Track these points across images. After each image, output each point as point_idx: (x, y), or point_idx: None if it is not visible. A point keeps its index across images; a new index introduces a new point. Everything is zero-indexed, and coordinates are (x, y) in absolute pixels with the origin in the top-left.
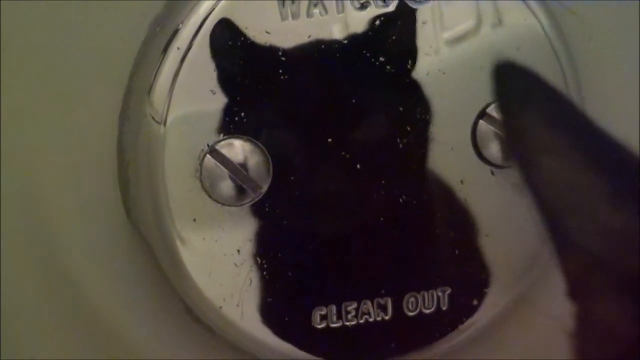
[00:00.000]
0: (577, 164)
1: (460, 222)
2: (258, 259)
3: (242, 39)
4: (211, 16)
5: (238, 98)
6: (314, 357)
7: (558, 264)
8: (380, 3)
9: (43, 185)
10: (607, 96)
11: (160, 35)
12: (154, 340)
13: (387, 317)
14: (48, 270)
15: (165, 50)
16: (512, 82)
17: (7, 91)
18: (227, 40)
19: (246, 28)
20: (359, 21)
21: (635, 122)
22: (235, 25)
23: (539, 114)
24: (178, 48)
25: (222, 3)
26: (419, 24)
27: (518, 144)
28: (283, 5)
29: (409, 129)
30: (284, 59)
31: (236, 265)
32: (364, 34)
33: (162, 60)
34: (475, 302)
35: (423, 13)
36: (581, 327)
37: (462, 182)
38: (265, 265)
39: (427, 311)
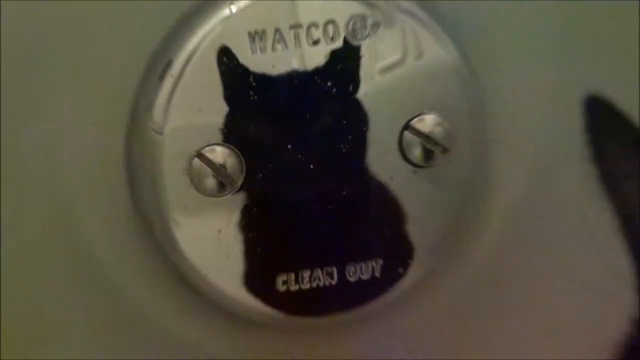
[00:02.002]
0: None
1: (390, 209)
2: (234, 237)
3: (230, 65)
4: (198, 50)
5: (222, 113)
6: (277, 312)
7: None
8: (329, 41)
9: (66, 180)
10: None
11: (157, 65)
12: (151, 300)
13: (333, 282)
14: (68, 244)
15: (161, 77)
16: (600, 115)
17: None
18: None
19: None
20: (312, 54)
21: None
22: (232, 52)
23: (620, 144)
24: (172, 75)
25: (207, 41)
26: (359, 58)
27: (603, 171)
28: (253, 41)
29: (350, 137)
30: (254, 84)
31: (218, 243)
32: (316, 65)
33: (160, 85)
34: (400, 271)
35: (362, 49)
36: None
37: (391, 178)
38: (240, 242)
39: (364, 277)
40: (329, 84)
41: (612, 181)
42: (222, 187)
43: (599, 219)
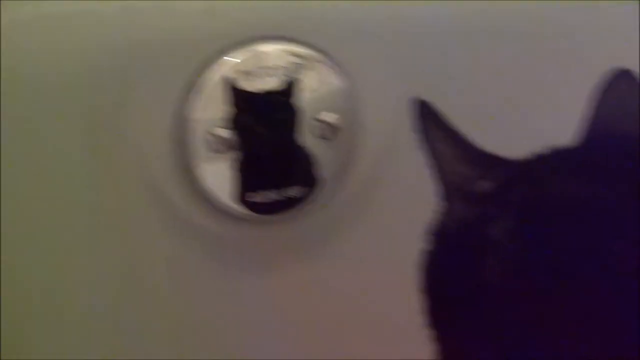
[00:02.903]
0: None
1: (308, 160)
2: (229, 173)
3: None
4: (215, 79)
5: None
6: (250, 212)
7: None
8: (282, 76)
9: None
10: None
11: (195, 83)
12: (184, 204)
13: (279, 198)
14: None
15: (197, 92)
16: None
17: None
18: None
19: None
20: (271, 83)
21: None
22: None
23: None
24: (202, 92)
25: (220, 74)
26: (295, 85)
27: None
28: (245, 76)
29: (289, 123)
30: (241, 97)
31: (221, 177)
32: (274, 88)
33: (196, 95)
34: (313, 193)
35: (298, 80)
36: None
37: (310, 145)
38: (232, 177)
39: (297, 195)
40: (280, 97)
41: (435, 158)
42: (222, 149)
43: (420, 174)
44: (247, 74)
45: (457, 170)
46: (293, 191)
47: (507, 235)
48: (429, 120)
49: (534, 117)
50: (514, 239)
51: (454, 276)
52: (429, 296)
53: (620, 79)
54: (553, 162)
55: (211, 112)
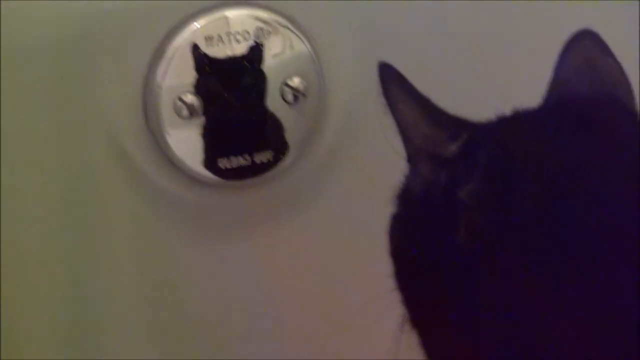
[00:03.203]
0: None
1: (275, 124)
2: (197, 140)
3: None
4: (181, 45)
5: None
6: (219, 178)
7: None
8: (246, 41)
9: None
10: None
11: (160, 52)
12: (156, 169)
13: (247, 163)
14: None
15: (161, 58)
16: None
17: None
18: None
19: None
20: (238, 48)
21: None
22: (198, 46)
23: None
24: (167, 58)
25: (186, 40)
26: (262, 50)
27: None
28: (208, 41)
29: (257, 88)
30: (209, 62)
31: (189, 142)
32: (241, 53)
33: (160, 62)
34: (281, 157)
35: (264, 45)
36: None
37: (277, 110)
38: (200, 143)
39: (264, 160)
40: (247, 62)
41: (400, 121)
42: (190, 115)
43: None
44: (214, 39)
45: (422, 133)
46: (261, 156)
47: (474, 197)
48: (394, 84)
49: (500, 80)
50: (480, 201)
51: (421, 239)
52: (397, 260)
53: (584, 38)
54: (517, 123)
55: (179, 78)
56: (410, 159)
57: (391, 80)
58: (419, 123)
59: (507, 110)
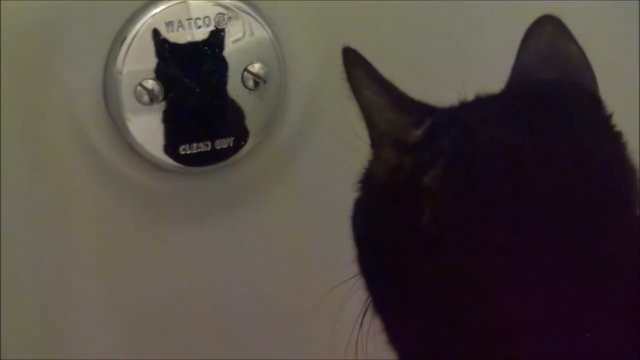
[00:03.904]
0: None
1: (236, 111)
2: (158, 126)
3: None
4: (141, 30)
5: (154, 63)
6: (180, 165)
7: None
8: (206, 27)
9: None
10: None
11: (119, 38)
12: (117, 158)
13: (208, 149)
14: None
15: (121, 44)
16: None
17: None
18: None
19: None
20: (199, 34)
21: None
22: (158, 31)
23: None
24: (127, 44)
25: (145, 25)
26: (223, 35)
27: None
28: (169, 26)
29: (217, 75)
30: (169, 48)
31: (150, 128)
32: (202, 39)
33: (120, 49)
34: (242, 144)
35: (225, 31)
36: None
37: (237, 96)
38: (161, 130)
39: (224, 146)
40: (207, 48)
41: (365, 106)
42: (151, 101)
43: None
44: (174, 25)
45: (387, 119)
46: (222, 143)
47: (438, 182)
48: (358, 68)
49: (463, 65)
50: (445, 185)
51: (385, 224)
52: (360, 244)
53: (546, 24)
54: (480, 108)
55: (139, 64)
56: (375, 145)
57: (355, 64)
58: (383, 108)
59: (469, 95)
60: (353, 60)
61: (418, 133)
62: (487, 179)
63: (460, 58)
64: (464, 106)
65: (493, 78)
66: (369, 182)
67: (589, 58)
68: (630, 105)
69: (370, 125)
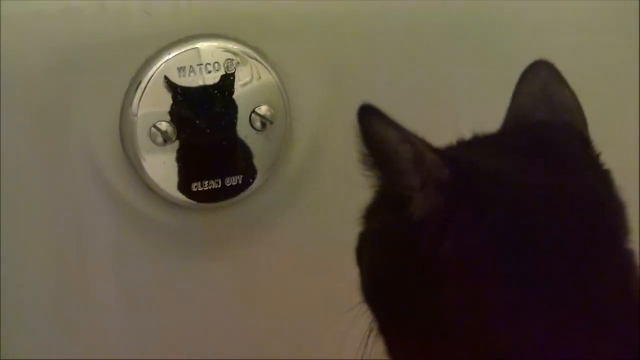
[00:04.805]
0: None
1: (245, 150)
2: (172, 166)
3: (170, 83)
4: (154, 76)
5: (168, 105)
6: (192, 201)
7: None
8: (217, 72)
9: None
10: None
11: (135, 83)
12: (133, 194)
13: (219, 187)
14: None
15: (137, 89)
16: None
17: None
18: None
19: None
20: (209, 78)
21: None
22: (169, 78)
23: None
24: (141, 89)
25: (158, 72)
26: (233, 80)
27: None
28: (181, 72)
29: (228, 117)
30: (181, 92)
31: (164, 168)
32: (212, 83)
33: (136, 93)
34: (250, 181)
35: (235, 75)
36: None
37: (246, 137)
38: (175, 169)
39: (234, 184)
40: (217, 92)
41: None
42: (165, 142)
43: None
44: (186, 70)
45: (430, 160)
46: (232, 180)
47: (465, 219)
48: (377, 118)
49: (460, 112)
50: (464, 220)
51: (394, 257)
52: (365, 275)
53: (540, 69)
54: (479, 147)
55: (154, 107)
56: (417, 187)
57: (373, 115)
58: (422, 154)
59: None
60: (370, 116)
61: (448, 172)
62: (493, 212)
63: (457, 100)
64: (465, 144)
65: (489, 120)
66: (381, 216)
67: (589, 58)
68: (631, 105)
69: (410, 171)
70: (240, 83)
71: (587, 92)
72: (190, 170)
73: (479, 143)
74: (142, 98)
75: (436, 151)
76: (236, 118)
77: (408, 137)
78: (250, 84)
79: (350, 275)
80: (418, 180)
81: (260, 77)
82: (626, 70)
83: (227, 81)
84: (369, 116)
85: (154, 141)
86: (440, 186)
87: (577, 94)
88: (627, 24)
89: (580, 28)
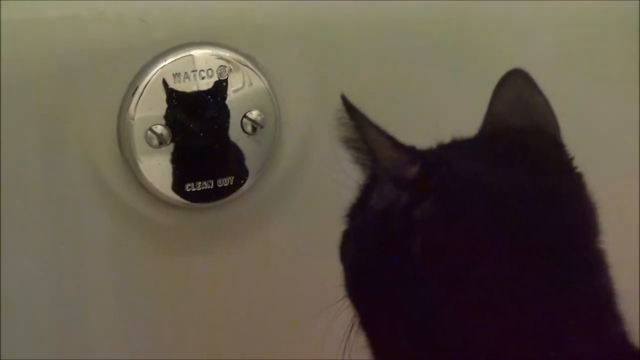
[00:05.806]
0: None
1: (237, 152)
2: (167, 166)
3: (166, 88)
4: (151, 81)
5: (163, 109)
6: (186, 201)
7: None
8: (209, 77)
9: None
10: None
11: (132, 87)
12: (129, 194)
13: (211, 187)
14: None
15: (134, 93)
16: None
17: None
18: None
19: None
20: (203, 84)
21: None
22: (166, 82)
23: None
24: (138, 93)
25: (155, 76)
26: (225, 85)
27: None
28: (176, 77)
29: (220, 121)
30: (176, 96)
31: (159, 169)
32: (206, 88)
33: (133, 97)
34: (242, 182)
35: (227, 81)
36: None
37: (237, 139)
38: (169, 169)
39: (225, 185)
40: (211, 97)
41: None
42: (160, 144)
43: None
44: (181, 76)
45: (390, 156)
46: (223, 181)
47: (428, 214)
48: (357, 112)
49: (439, 111)
50: (434, 218)
51: (375, 252)
52: (348, 271)
53: (516, 77)
54: (458, 150)
55: (149, 111)
56: (376, 180)
57: (355, 109)
58: (385, 147)
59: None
60: (352, 106)
61: (414, 170)
62: (469, 212)
63: (438, 105)
64: (442, 148)
65: (468, 124)
66: (361, 214)
67: (589, 58)
68: (631, 105)
69: (374, 161)
70: (232, 89)
71: (587, 93)
72: (183, 171)
73: (457, 146)
74: (139, 102)
75: (403, 148)
76: (228, 122)
77: (381, 130)
78: (242, 90)
79: (335, 272)
80: (383, 172)
81: (251, 83)
82: (626, 70)
83: (220, 87)
84: (349, 104)
85: (149, 143)
86: (402, 182)
87: (576, 95)
88: (627, 24)
89: (581, 28)
